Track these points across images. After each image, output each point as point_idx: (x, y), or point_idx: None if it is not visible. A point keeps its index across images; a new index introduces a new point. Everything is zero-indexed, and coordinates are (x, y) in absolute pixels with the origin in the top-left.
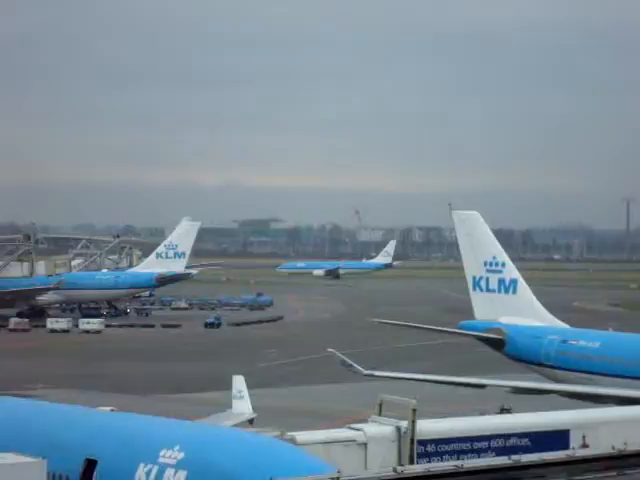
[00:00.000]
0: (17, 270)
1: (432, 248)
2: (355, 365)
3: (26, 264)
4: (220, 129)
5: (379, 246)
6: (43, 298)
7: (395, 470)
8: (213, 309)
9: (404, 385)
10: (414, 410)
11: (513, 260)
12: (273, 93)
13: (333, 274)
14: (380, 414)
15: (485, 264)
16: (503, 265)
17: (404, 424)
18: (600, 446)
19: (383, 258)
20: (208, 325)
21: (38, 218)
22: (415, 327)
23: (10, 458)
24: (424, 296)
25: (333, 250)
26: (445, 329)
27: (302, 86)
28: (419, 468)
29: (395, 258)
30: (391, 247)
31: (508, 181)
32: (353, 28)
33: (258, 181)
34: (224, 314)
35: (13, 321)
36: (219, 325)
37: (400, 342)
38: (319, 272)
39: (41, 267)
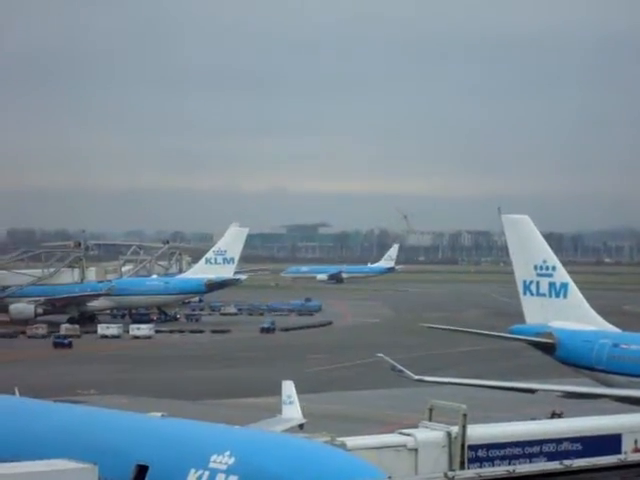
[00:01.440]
0: (68, 276)
1: (481, 252)
2: (405, 370)
3: (77, 270)
4: (267, 134)
5: (428, 250)
6: (94, 304)
7: (446, 475)
8: (262, 314)
9: (454, 390)
10: (465, 415)
11: (563, 264)
12: (319, 98)
13: (336, 278)
14: (430, 419)
15: (535, 268)
16: (554, 269)
17: (455, 429)
18: None
19: (386, 262)
20: (264, 330)
21: (88, 225)
22: (465, 332)
23: (62, 464)
24: (469, 300)
25: (381, 255)
26: (495, 333)
27: (349, 90)
28: (470, 473)
29: (443, 262)
30: (394, 251)
31: (558, 184)
32: (392, 32)
33: (306, 186)
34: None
35: (64, 327)
36: (273, 330)
37: (450, 347)
38: (322, 276)
39: (92, 273)
